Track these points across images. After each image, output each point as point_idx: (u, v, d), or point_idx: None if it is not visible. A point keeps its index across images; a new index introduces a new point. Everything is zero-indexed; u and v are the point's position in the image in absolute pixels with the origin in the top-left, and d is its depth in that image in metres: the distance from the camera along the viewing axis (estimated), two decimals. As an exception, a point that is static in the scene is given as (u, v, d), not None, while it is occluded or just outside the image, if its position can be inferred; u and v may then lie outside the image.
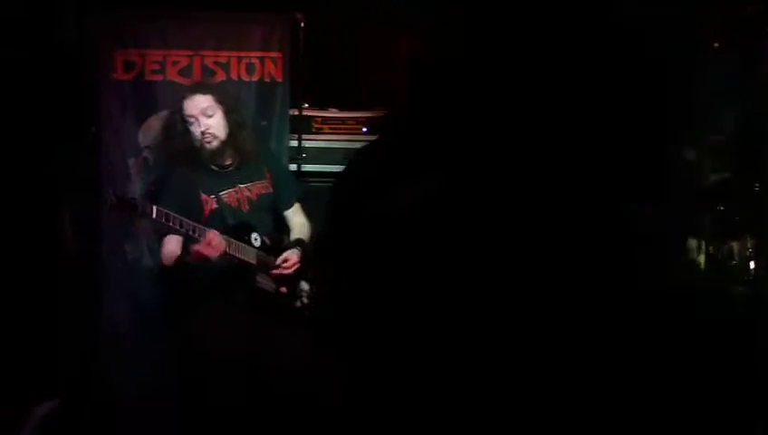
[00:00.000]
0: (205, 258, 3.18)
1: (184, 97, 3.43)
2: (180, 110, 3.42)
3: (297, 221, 3.58)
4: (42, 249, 3.95)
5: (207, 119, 3.38)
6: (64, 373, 3.91)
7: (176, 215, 3.18)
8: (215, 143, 3.38)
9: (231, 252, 3.26)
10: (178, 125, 3.44)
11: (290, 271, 3.41)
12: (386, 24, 4.06)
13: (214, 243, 3.18)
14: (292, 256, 3.44)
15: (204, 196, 3.40)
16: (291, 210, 3.59)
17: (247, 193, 3.46)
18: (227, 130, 3.42)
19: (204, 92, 3.42)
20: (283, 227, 3.60)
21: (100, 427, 3.85)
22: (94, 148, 4.01)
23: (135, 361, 3.99)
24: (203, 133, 3.36)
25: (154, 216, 3.12)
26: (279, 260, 3.42)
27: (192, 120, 3.38)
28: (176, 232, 3.24)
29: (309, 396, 3.35)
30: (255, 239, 3.39)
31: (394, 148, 2.40)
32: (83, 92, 4.00)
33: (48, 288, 3.95)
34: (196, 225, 3.22)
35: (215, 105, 3.40)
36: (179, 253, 3.31)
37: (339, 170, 3.96)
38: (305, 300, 3.46)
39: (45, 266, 3.96)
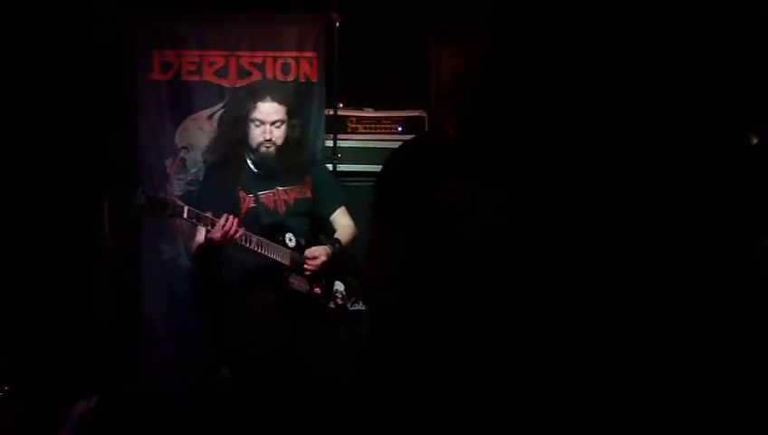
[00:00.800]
0: (216, 242, 3.17)
1: (257, 98, 3.40)
2: (248, 108, 3.40)
3: (341, 223, 3.57)
4: (82, 247, 4.00)
5: (275, 128, 3.39)
6: (103, 371, 3.95)
7: (207, 215, 3.18)
8: (272, 149, 3.40)
9: (252, 247, 3.24)
10: (239, 121, 3.43)
11: (316, 266, 3.39)
12: (421, 24, 4.07)
13: (223, 226, 3.15)
14: (319, 252, 3.41)
15: (242, 193, 3.41)
16: (335, 214, 3.58)
17: (284, 196, 3.47)
18: (285, 142, 3.43)
19: (280, 102, 3.40)
20: (325, 230, 3.60)
21: (138, 424, 3.89)
22: (132, 147, 4.06)
23: (172, 359, 4.04)
24: (266, 140, 3.37)
25: (185, 216, 3.13)
26: (306, 254, 3.40)
27: (259, 123, 3.39)
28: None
29: (339, 396, 3.37)
30: (290, 240, 3.39)
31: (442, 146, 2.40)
32: (122, 92, 4.04)
33: (88, 285, 4.01)
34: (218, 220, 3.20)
35: (285, 118, 3.41)
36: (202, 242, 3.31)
37: (374, 169, 3.96)
38: (339, 301, 3.45)
39: (86, 264, 4.01)
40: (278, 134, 3.40)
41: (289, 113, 3.43)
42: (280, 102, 3.39)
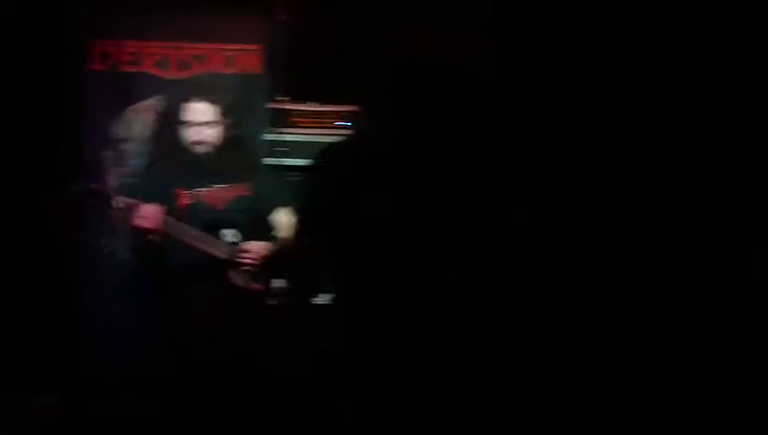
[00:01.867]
0: (141, 229, 3.17)
1: (186, 99, 3.37)
2: (176, 108, 3.37)
3: (282, 222, 3.54)
4: (24, 243, 3.93)
5: (206, 129, 3.34)
6: (58, 366, 3.91)
7: (134, 202, 3.18)
8: (203, 149, 3.36)
9: (187, 240, 3.24)
10: (171, 122, 3.41)
11: (252, 260, 3.36)
12: (369, 19, 4.04)
13: (145, 214, 3.16)
14: (254, 246, 3.37)
15: (179, 190, 3.38)
16: (276, 214, 3.53)
17: (224, 193, 3.43)
18: (222, 142, 3.38)
19: (212, 102, 3.35)
20: (269, 228, 3.58)
21: (92, 415, 3.85)
22: (71, 139, 4.00)
23: (116, 352, 4.01)
24: (196, 141, 3.33)
25: (113, 204, 3.13)
26: (241, 247, 3.36)
27: (188, 124, 3.34)
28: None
29: (284, 391, 3.38)
30: (230, 235, 3.37)
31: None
32: (61, 83, 3.97)
33: (34, 280, 3.95)
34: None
35: (217, 118, 3.36)
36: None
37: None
38: (281, 298, 3.45)
39: (30, 259, 3.95)
40: (211, 134, 3.35)
41: (224, 113, 3.38)
42: (211, 102, 3.35)
